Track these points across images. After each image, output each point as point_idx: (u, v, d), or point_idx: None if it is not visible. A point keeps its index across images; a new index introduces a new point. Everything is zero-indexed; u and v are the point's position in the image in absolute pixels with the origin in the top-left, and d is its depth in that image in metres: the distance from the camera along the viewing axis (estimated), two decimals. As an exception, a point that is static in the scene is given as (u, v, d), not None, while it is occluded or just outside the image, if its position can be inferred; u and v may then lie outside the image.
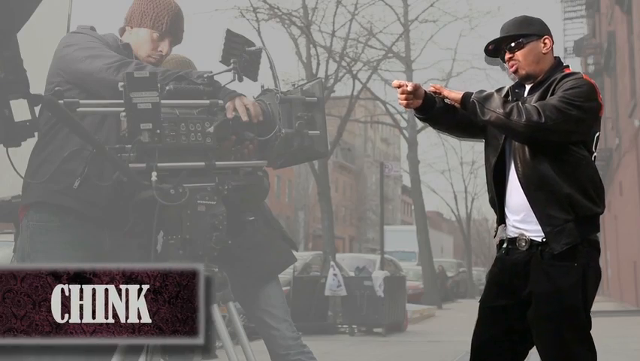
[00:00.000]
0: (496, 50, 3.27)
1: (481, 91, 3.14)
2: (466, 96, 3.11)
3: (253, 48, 2.61)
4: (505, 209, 3.23)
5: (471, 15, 21.47)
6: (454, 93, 3.16)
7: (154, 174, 2.31)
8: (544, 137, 3.01)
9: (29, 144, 2.54)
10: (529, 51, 3.19)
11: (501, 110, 3.00)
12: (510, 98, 3.23)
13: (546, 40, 3.22)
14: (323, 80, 10.74)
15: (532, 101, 3.09)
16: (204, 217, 2.39)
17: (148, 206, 2.35)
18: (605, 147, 25.79)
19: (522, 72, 3.19)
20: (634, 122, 18.07)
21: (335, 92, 19.51)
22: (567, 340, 3.01)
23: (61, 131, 2.69)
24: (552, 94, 3.06)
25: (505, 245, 3.22)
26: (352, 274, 12.81)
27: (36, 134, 2.43)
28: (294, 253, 3.69)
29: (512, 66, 3.20)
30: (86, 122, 2.55)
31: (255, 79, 2.65)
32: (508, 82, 3.44)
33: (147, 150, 2.33)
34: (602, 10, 26.06)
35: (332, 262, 12.45)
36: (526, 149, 3.10)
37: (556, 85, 3.10)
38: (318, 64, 18.37)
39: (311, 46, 18.32)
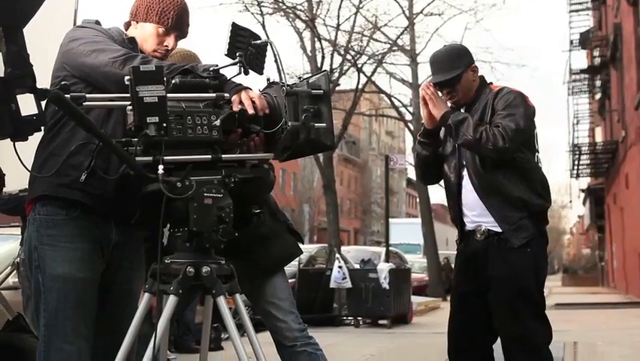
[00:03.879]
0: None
1: (459, 113, 3.55)
2: (446, 116, 3.53)
3: (259, 41, 2.61)
4: (463, 207, 3.64)
5: (476, 8, 21.48)
6: (437, 109, 3.56)
7: (160, 167, 2.31)
8: (508, 157, 3.47)
9: (36, 138, 2.54)
10: (464, 83, 3.62)
11: (471, 136, 3.42)
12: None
13: (474, 68, 3.68)
14: (328, 73, 10.72)
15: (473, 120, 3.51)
16: (211, 210, 2.39)
17: (154, 199, 2.36)
18: (611, 140, 25.71)
19: (461, 102, 3.63)
20: (640, 114, 17.99)
21: (340, 86, 19.53)
22: (523, 316, 3.43)
23: (68, 125, 2.70)
24: (492, 110, 3.51)
25: (464, 238, 3.65)
26: (357, 266, 12.83)
27: (42, 128, 2.44)
28: (300, 245, 3.70)
29: (452, 98, 3.63)
30: (92, 116, 2.56)
31: (261, 72, 2.65)
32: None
33: (153, 143, 2.34)
34: (607, 3, 25.93)
35: (337, 255, 12.47)
36: (477, 161, 3.52)
37: (493, 102, 3.53)
38: (323, 57, 18.39)
39: (316, 39, 18.31)
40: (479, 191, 3.52)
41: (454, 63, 3.64)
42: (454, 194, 3.65)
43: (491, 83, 3.74)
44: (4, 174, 3.48)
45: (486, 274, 3.50)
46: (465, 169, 3.58)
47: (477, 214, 3.57)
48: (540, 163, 3.65)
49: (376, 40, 20.06)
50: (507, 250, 3.44)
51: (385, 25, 20.24)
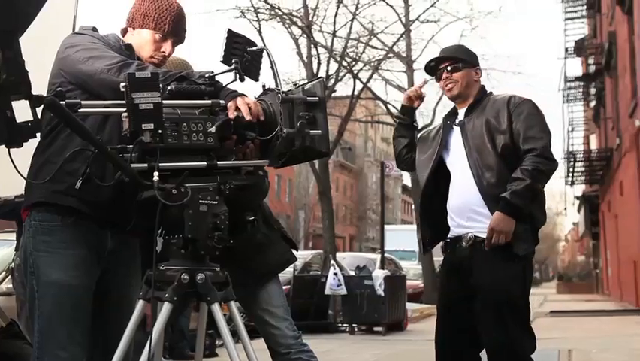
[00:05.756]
0: (433, 69, 3.76)
1: (509, 196, 3.40)
2: (507, 206, 3.40)
3: (255, 48, 2.62)
4: (450, 211, 3.61)
5: (472, 15, 21.34)
6: (501, 223, 3.40)
7: (156, 174, 2.31)
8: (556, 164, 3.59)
9: (32, 145, 2.54)
10: (464, 75, 3.67)
11: (536, 186, 3.46)
12: (441, 133, 3.71)
13: (478, 71, 3.75)
14: (324, 80, 10.73)
15: (480, 122, 3.55)
16: (206, 217, 2.39)
17: (150, 206, 2.36)
18: (605, 147, 25.77)
19: (454, 92, 3.68)
20: (635, 122, 18.05)
21: (336, 92, 19.52)
22: (508, 325, 3.38)
23: (63, 132, 2.70)
24: (509, 115, 3.52)
25: (449, 246, 3.63)
26: (352, 273, 12.80)
27: (38, 134, 2.44)
28: (295, 252, 3.70)
29: (447, 85, 3.68)
30: (87, 123, 2.56)
31: (256, 79, 2.66)
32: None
33: (149, 150, 2.34)
34: (602, 11, 26.02)
35: (332, 261, 12.45)
36: (486, 174, 3.47)
37: (508, 108, 3.53)
38: (319, 64, 18.42)
39: (312, 46, 18.33)
40: (487, 198, 3.48)
41: (462, 53, 3.76)
42: (427, 200, 3.71)
43: (491, 92, 3.79)
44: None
45: (472, 282, 3.46)
46: (472, 172, 3.54)
47: (466, 219, 3.53)
48: None
49: (372, 46, 20.10)
50: (494, 258, 3.40)
51: (381, 31, 20.27)
